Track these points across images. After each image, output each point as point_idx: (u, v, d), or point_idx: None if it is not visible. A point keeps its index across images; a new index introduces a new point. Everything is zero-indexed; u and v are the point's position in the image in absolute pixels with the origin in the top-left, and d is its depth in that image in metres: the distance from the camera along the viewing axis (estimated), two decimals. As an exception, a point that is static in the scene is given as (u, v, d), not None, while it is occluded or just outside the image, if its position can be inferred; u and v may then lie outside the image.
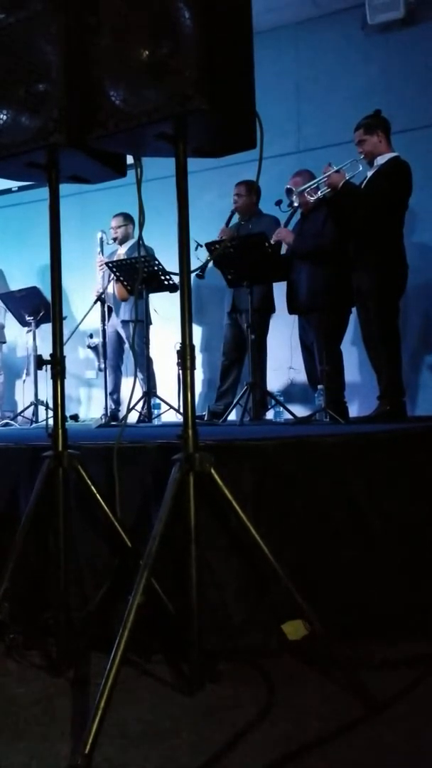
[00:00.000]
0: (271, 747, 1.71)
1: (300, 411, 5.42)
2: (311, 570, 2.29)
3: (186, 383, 2.07)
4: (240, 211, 5.67)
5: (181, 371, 2.09)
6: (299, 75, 6.62)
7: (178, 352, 2.05)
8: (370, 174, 4.63)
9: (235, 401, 5.28)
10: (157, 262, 5.25)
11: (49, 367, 2.27)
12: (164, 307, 5.75)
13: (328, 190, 4.72)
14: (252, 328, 4.96)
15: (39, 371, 6.18)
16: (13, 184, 6.87)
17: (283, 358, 6.06)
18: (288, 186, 5.12)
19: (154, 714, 1.90)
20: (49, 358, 2.26)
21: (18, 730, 1.84)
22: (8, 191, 7.15)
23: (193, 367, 2.07)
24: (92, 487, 2.26)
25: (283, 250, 5.26)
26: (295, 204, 5.08)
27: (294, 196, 5.04)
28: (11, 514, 2.54)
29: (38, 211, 6.83)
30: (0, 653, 2.24)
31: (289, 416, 5.14)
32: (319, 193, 4.89)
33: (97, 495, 2.27)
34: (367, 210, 4.49)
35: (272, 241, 5.02)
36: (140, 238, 2.39)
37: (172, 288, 5.40)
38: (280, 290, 5.41)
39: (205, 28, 1.90)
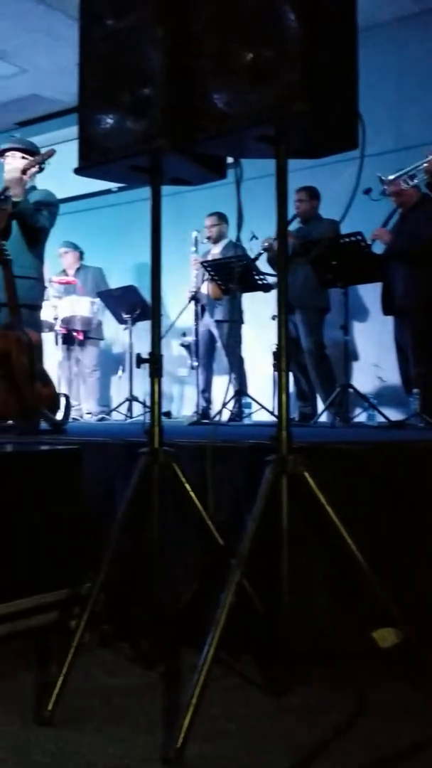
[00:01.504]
0: (361, 752, 1.69)
1: (392, 414, 5.33)
2: (403, 577, 2.25)
3: (281, 385, 2.07)
4: (301, 215, 5.69)
5: (276, 372, 2.09)
6: (400, 72, 6.51)
7: (274, 353, 2.06)
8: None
9: (327, 402, 5.25)
10: (251, 262, 5.27)
11: (146, 365, 2.32)
12: (254, 308, 5.77)
13: (426, 177, 4.61)
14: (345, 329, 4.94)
15: (134, 368, 6.31)
16: (113, 185, 7.02)
17: (373, 359, 5.98)
18: (379, 174, 5.03)
19: (243, 713, 1.91)
20: (147, 356, 2.31)
21: (111, 719, 1.88)
22: (108, 192, 7.31)
23: (288, 369, 2.08)
24: (186, 485, 2.30)
25: (380, 249, 5.19)
26: (387, 193, 4.99)
27: (386, 186, 4.95)
28: (107, 508, 2.61)
29: (136, 211, 6.96)
30: (94, 644, 2.30)
31: (382, 419, 5.07)
32: (415, 180, 4.79)
33: (191, 492, 2.30)
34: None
35: (369, 241, 4.97)
36: (238, 238, 2.42)
37: (265, 288, 5.42)
38: (369, 290, 5.35)
39: (310, 30, 1.90)
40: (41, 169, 4.35)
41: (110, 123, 2.23)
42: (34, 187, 4.34)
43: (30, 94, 7.35)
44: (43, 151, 4.27)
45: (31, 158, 4.25)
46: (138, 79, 2.17)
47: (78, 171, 2.35)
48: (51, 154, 4.16)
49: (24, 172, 4.14)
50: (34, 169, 4.23)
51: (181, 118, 2.11)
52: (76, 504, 2.52)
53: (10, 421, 3.88)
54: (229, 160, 2.37)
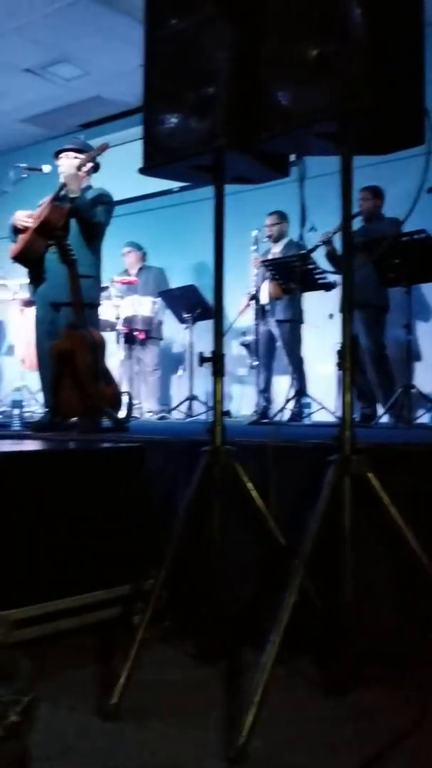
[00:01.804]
0: (426, 756, 1.67)
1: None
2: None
3: (345, 384, 2.06)
4: (364, 213, 5.62)
5: (339, 372, 2.08)
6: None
7: (338, 352, 2.04)
8: None
9: (388, 404, 5.18)
10: (307, 253, 5.23)
11: (208, 364, 2.33)
12: (311, 307, 5.73)
13: None
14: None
15: (194, 367, 6.34)
16: (174, 185, 7.07)
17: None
18: None
19: (306, 712, 1.91)
20: (209, 355, 2.32)
21: (173, 714, 1.90)
22: (169, 192, 7.36)
23: (352, 368, 2.06)
24: (248, 484, 2.30)
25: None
26: None
27: None
28: (169, 506, 2.63)
29: (196, 211, 6.99)
30: (156, 639, 2.32)
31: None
32: None
33: (253, 491, 2.30)
34: None
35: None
36: (300, 236, 2.41)
37: (326, 287, 5.38)
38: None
39: (375, 24, 1.87)
40: (96, 166, 4.41)
41: (174, 122, 2.25)
42: (89, 187, 4.40)
43: (93, 96, 7.45)
44: (104, 152, 4.33)
45: (84, 156, 4.32)
46: (202, 78, 2.18)
47: (142, 171, 2.38)
48: (104, 148, 4.19)
49: (79, 168, 4.20)
50: (89, 165, 4.30)
51: (245, 116, 2.11)
52: (139, 501, 2.55)
53: (74, 419, 3.94)
54: (291, 157, 2.37)
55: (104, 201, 4.30)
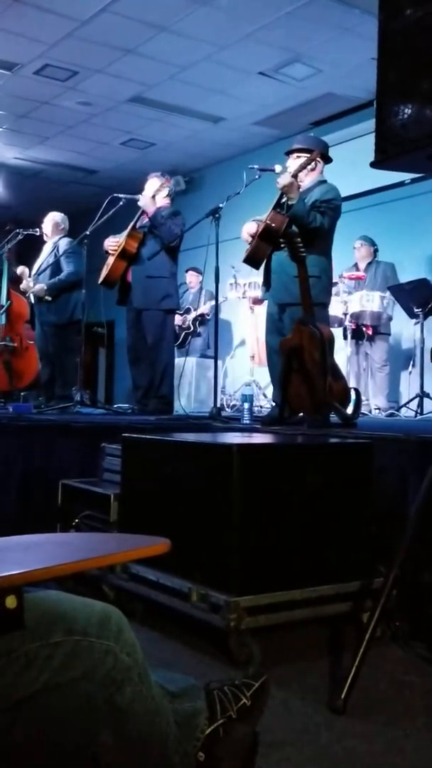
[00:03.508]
0: None
1: None
2: None
3: None
4: None
5: None
6: None
7: None
8: None
9: None
10: None
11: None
12: None
13: None
14: None
15: (425, 363, 6.15)
16: (406, 177, 6.89)
17: None
18: None
19: None
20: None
21: (403, 716, 1.87)
22: (401, 184, 7.19)
23: None
24: None
25: None
26: None
27: None
28: (398, 505, 2.58)
29: (429, 203, 6.77)
30: (386, 639, 2.30)
31: None
32: None
33: None
34: None
35: None
36: None
37: None
38: None
39: None
40: (327, 159, 4.46)
41: (408, 113, 2.19)
42: (323, 181, 4.42)
43: (324, 93, 7.46)
44: (331, 147, 4.37)
45: (306, 157, 4.35)
46: (439, 65, 2.11)
47: (375, 165, 2.35)
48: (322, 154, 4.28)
49: (295, 176, 4.25)
50: (308, 167, 4.33)
51: None
52: (368, 498, 2.53)
53: (302, 414, 3.99)
54: None
55: (327, 201, 4.28)
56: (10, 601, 1.02)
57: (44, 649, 1.13)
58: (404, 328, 7.12)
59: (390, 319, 6.97)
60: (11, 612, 1.02)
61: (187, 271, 8.07)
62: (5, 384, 6.49)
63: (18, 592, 1.03)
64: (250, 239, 4.37)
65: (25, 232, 6.20)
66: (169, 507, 2.56)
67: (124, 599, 2.55)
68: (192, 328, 7.99)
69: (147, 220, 5.22)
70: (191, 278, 8.35)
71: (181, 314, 7.87)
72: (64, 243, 5.96)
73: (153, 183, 5.41)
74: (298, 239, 3.77)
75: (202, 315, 8.09)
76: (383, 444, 2.78)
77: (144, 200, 5.25)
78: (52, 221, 6.17)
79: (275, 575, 2.28)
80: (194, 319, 8.01)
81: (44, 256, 6.09)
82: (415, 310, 6.33)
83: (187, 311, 8.03)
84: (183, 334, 7.96)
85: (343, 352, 6.55)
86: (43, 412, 5.13)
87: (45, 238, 6.20)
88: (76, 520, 3.05)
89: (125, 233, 5.23)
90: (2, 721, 1.11)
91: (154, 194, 5.30)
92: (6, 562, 1.03)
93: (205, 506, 2.38)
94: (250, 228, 4.40)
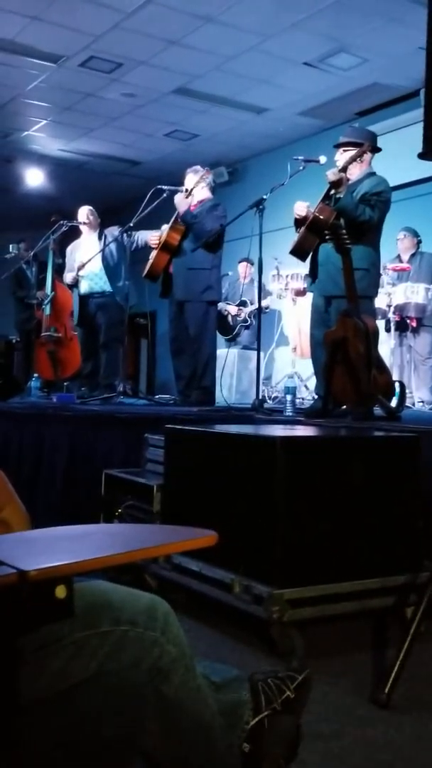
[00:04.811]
0: None
1: None
2: None
3: None
4: None
5: None
6: None
7: None
8: None
9: None
10: None
11: None
12: None
13: None
14: None
15: None
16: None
17: None
18: None
19: None
20: None
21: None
22: None
23: None
24: None
25: None
26: None
27: None
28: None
29: None
30: (429, 635, 2.27)
31: None
32: None
33: None
34: None
35: None
36: None
37: None
38: None
39: None
40: (376, 149, 4.41)
41: (460, 103, 2.16)
42: (371, 174, 4.36)
43: (370, 83, 7.37)
44: (380, 138, 4.31)
45: (354, 151, 4.29)
46: None
47: (423, 155, 2.32)
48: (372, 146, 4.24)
49: (344, 170, 4.21)
50: (356, 161, 4.28)
51: None
52: (414, 492, 2.50)
53: (346, 407, 3.97)
54: None
55: (377, 194, 4.23)
56: (60, 591, 1.03)
57: (93, 638, 1.14)
58: (449, 320, 7.01)
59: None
60: (61, 601, 1.04)
61: (239, 262, 7.98)
62: (49, 374, 6.57)
63: (68, 582, 1.04)
64: (298, 216, 4.32)
65: (70, 224, 6.26)
66: (212, 498, 2.57)
67: (167, 589, 2.57)
68: (249, 321, 7.80)
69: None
70: (243, 270, 8.21)
71: (237, 306, 7.79)
72: (113, 230, 6.00)
73: (190, 179, 5.40)
74: (343, 231, 3.73)
75: (259, 309, 7.94)
76: (428, 437, 2.75)
77: (177, 198, 5.25)
78: (91, 214, 6.22)
79: (319, 568, 2.28)
80: (251, 312, 7.75)
81: (88, 247, 6.13)
82: (461, 302, 6.23)
83: (243, 303, 7.85)
84: (239, 326, 7.83)
85: (386, 345, 6.48)
86: (86, 402, 5.18)
87: (84, 229, 6.25)
88: (120, 510, 3.08)
89: (166, 227, 5.24)
90: (55, 705, 1.13)
91: (191, 190, 5.27)
92: (57, 552, 1.04)
93: (249, 498, 2.38)
94: (300, 208, 4.33)
